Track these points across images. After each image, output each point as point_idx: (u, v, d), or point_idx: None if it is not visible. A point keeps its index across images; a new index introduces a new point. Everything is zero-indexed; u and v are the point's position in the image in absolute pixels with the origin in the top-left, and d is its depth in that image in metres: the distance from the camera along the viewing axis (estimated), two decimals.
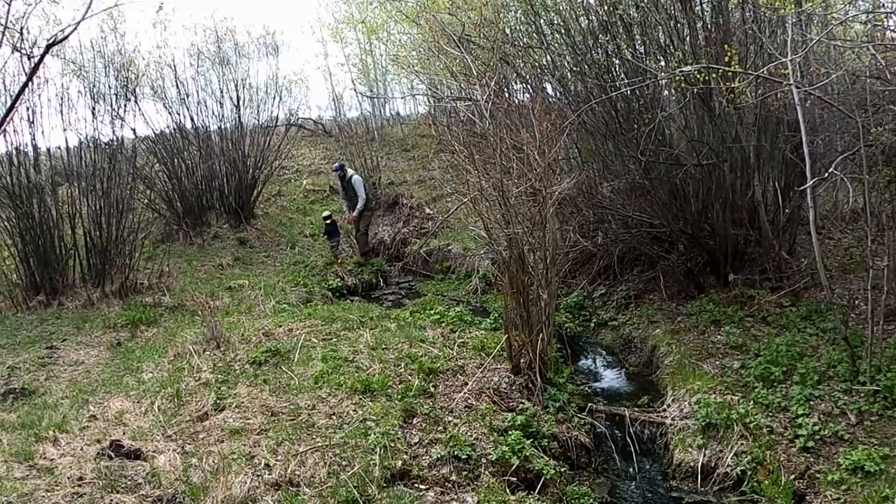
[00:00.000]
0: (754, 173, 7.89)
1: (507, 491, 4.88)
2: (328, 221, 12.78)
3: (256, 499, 4.38)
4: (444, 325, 7.89)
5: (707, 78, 6.71)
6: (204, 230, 13.47)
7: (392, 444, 5.05)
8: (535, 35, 10.22)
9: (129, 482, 4.52)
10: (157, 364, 6.88)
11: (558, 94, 10.15)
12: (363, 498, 4.50)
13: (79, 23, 8.88)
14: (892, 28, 6.69)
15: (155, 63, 13.39)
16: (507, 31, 10.72)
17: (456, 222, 12.89)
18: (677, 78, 6.97)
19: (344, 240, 13.09)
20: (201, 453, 4.89)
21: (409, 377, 6.15)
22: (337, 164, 12.86)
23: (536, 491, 5.01)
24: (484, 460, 5.13)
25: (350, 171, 12.59)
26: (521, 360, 6.33)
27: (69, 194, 10.19)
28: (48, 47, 8.95)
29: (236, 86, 14.50)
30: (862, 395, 5.53)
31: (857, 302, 7.03)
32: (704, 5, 8.20)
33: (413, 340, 7.06)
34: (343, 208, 13.03)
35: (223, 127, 14.53)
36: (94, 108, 10.44)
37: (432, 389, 6.01)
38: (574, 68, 9.67)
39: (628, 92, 8.42)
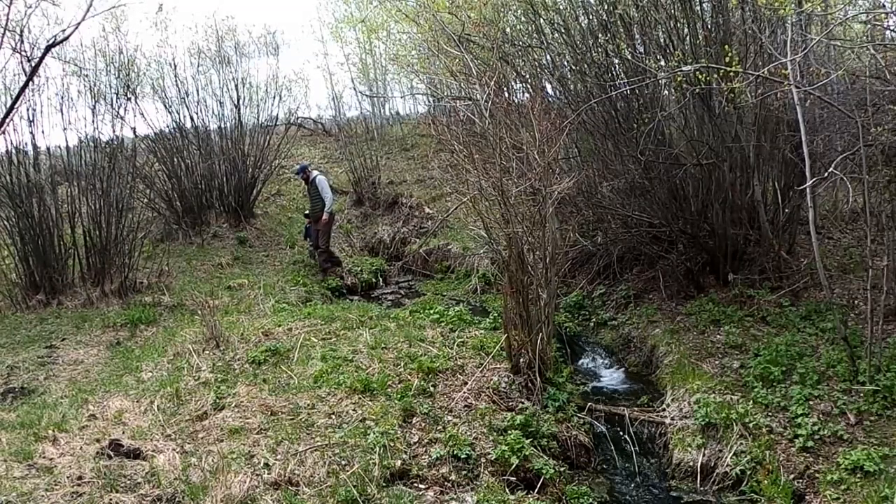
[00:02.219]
0: (754, 173, 7.89)
1: (507, 490, 4.88)
2: (309, 222, 12.12)
3: (256, 498, 4.38)
4: (443, 324, 7.89)
5: (707, 78, 6.71)
6: (203, 229, 13.47)
7: (391, 444, 5.05)
8: (534, 34, 10.22)
9: (128, 481, 4.52)
10: (156, 363, 6.88)
11: (558, 93, 10.15)
12: (362, 497, 4.49)
13: (79, 24, 8.88)
14: (892, 28, 6.68)
15: (155, 62, 13.42)
16: (507, 30, 10.72)
17: (455, 222, 12.89)
18: (677, 78, 6.97)
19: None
20: (201, 452, 4.89)
21: (409, 377, 6.15)
22: (299, 166, 12.04)
23: (536, 490, 5.00)
24: (483, 460, 5.13)
25: (314, 172, 11.81)
26: (521, 360, 6.33)
27: (69, 193, 10.18)
28: (48, 48, 8.94)
29: (236, 85, 14.51)
30: (861, 394, 5.53)
31: (856, 302, 7.03)
32: (704, 5, 8.19)
33: (412, 340, 7.06)
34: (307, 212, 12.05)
35: (223, 126, 14.53)
36: (94, 108, 10.44)
37: (432, 389, 6.01)
38: (574, 68, 9.68)
39: (628, 91, 8.42)
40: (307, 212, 12.30)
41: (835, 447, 5.15)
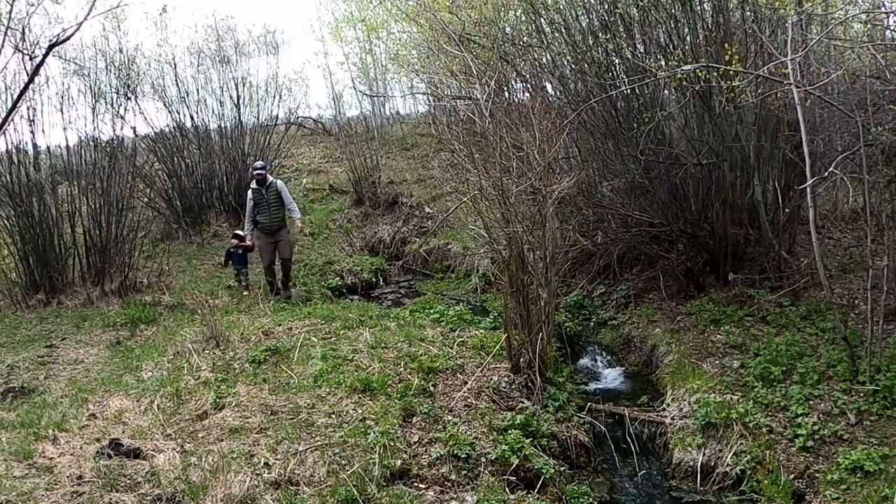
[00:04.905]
0: (754, 173, 7.89)
1: (507, 490, 4.88)
2: (237, 243, 9.93)
3: (256, 497, 4.38)
4: (443, 324, 7.89)
5: (707, 77, 6.71)
6: (203, 229, 13.47)
7: (391, 443, 5.04)
8: (535, 34, 10.22)
9: (128, 481, 4.51)
10: (156, 363, 6.87)
11: (558, 92, 10.15)
12: (362, 497, 4.49)
13: (81, 24, 8.87)
14: (892, 28, 6.68)
15: (155, 61, 13.42)
16: (508, 29, 10.72)
17: (455, 221, 12.88)
18: (677, 77, 6.97)
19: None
20: (201, 452, 4.89)
21: (409, 376, 6.15)
22: (261, 163, 9.96)
23: (536, 490, 5.00)
24: (483, 459, 5.13)
25: (270, 177, 9.80)
26: (521, 360, 6.33)
27: (69, 193, 10.19)
28: (50, 47, 8.94)
29: (236, 84, 14.51)
30: (861, 394, 5.53)
31: (856, 302, 7.03)
32: (705, 5, 8.19)
33: (412, 339, 7.06)
34: (247, 229, 9.87)
35: (223, 125, 14.53)
36: (94, 107, 10.45)
37: (432, 388, 6.01)
38: (574, 67, 9.67)
39: (628, 91, 8.42)
40: (240, 232, 10.18)
41: (835, 447, 5.15)
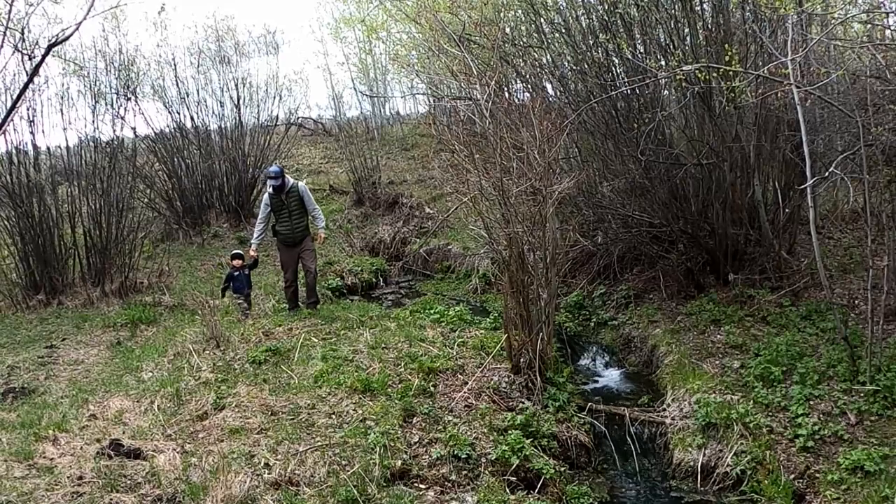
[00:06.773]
0: (754, 173, 7.89)
1: (507, 490, 4.88)
2: (239, 265, 8.48)
3: (256, 498, 4.38)
4: (443, 324, 7.89)
5: (707, 77, 6.71)
6: (204, 229, 13.49)
7: (392, 444, 5.04)
8: (535, 34, 10.22)
9: (128, 481, 4.51)
10: (156, 363, 6.88)
11: (558, 93, 10.15)
12: (363, 497, 4.49)
13: (80, 23, 8.90)
14: (892, 28, 6.68)
15: (155, 62, 13.45)
16: (508, 30, 10.72)
17: (456, 221, 12.89)
18: (677, 77, 6.97)
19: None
20: (201, 452, 4.89)
21: (409, 376, 6.15)
22: (276, 168, 8.40)
23: (536, 490, 5.00)
24: (484, 460, 5.13)
25: (291, 179, 8.41)
26: (521, 360, 6.33)
27: (69, 193, 10.21)
28: (49, 48, 8.95)
29: (236, 85, 14.53)
30: (862, 394, 5.53)
31: (857, 302, 7.03)
32: (705, 5, 8.19)
33: (413, 340, 7.06)
34: (255, 238, 8.61)
35: (223, 126, 14.56)
36: (94, 108, 10.47)
37: (432, 389, 6.01)
38: (574, 67, 9.67)
39: (628, 91, 8.42)
40: (239, 251, 8.85)
41: (835, 447, 5.15)
